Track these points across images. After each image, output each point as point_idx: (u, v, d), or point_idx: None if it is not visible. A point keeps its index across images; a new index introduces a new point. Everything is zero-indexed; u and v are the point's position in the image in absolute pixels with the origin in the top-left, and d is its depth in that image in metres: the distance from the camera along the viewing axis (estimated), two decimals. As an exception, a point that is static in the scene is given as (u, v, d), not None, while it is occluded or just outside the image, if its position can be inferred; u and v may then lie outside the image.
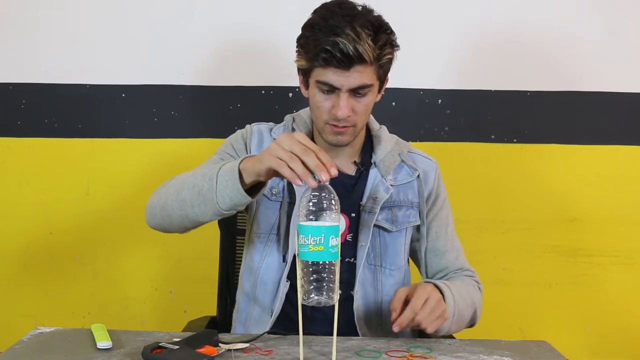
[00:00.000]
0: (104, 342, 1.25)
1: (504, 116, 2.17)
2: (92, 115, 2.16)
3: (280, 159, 1.16)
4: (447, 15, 2.14)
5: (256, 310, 1.51)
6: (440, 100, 2.16)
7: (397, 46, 1.43)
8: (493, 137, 2.17)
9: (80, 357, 1.21)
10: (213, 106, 2.16)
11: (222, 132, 2.12)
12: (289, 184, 1.49)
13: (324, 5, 1.42)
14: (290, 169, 1.14)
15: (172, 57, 2.14)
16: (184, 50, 2.14)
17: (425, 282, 1.39)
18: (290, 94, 2.13)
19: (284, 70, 2.11)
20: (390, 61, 1.43)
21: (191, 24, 2.14)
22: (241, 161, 1.25)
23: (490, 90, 2.16)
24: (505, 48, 2.14)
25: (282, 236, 1.48)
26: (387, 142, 1.56)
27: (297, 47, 1.44)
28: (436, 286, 1.37)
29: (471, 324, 1.50)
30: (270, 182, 1.49)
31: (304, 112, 1.57)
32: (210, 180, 1.28)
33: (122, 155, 2.17)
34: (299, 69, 1.47)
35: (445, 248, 1.57)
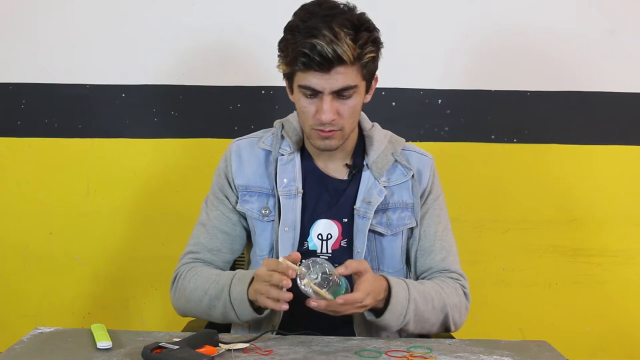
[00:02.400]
0: (104, 342, 1.25)
1: (504, 116, 2.17)
2: (92, 115, 2.16)
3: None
4: (447, 15, 2.13)
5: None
6: (440, 100, 2.16)
7: (381, 43, 1.40)
8: (493, 137, 2.17)
9: (80, 357, 1.21)
10: (213, 106, 2.16)
11: (222, 132, 2.13)
12: (279, 203, 1.48)
13: (303, 6, 1.39)
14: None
15: (172, 58, 2.14)
16: (184, 50, 2.14)
17: (381, 275, 1.38)
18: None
19: (284, 70, 2.11)
20: (373, 60, 1.39)
21: (191, 24, 2.13)
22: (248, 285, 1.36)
23: (490, 90, 2.16)
24: (505, 48, 2.14)
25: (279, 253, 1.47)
26: (380, 142, 1.52)
27: (278, 51, 1.42)
28: (389, 286, 1.36)
29: (445, 327, 1.46)
30: (259, 204, 1.51)
31: (293, 118, 1.54)
32: (228, 306, 1.39)
33: (122, 155, 2.17)
34: (283, 74, 1.44)
35: (432, 248, 1.52)
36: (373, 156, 1.50)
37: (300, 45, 1.32)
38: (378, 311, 1.36)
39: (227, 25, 2.13)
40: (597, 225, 2.19)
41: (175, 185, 2.17)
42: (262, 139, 1.54)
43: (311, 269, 1.26)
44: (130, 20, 2.13)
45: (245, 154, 1.53)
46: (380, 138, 1.53)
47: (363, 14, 1.39)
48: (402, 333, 1.45)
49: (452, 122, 2.17)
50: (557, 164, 2.18)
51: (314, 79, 1.35)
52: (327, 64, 1.32)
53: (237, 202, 1.52)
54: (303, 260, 1.28)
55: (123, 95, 2.15)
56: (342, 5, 1.38)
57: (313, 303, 1.25)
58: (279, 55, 1.42)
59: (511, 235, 2.19)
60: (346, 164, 1.51)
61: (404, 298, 1.36)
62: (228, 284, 1.39)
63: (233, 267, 1.71)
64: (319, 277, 1.25)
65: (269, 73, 2.12)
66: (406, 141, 1.59)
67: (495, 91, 2.16)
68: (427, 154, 1.57)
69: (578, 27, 2.14)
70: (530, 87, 2.15)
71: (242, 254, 1.62)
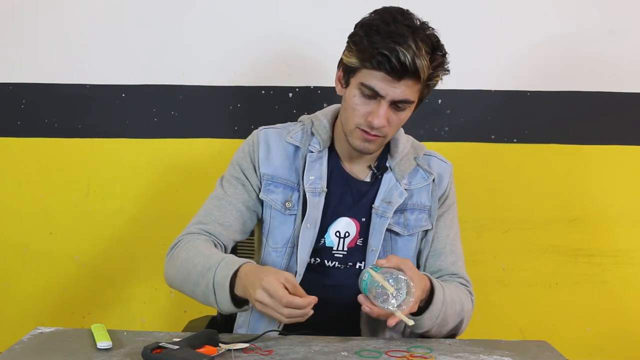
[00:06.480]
0: (104, 342, 1.25)
1: (504, 116, 2.17)
2: (92, 115, 2.16)
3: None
4: (447, 15, 2.13)
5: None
6: (440, 100, 2.16)
7: (448, 71, 1.40)
8: (493, 137, 2.17)
9: (80, 357, 1.21)
10: (213, 106, 2.16)
11: (222, 132, 2.13)
12: (304, 198, 1.48)
13: (386, 9, 1.38)
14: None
15: (172, 57, 2.14)
16: (183, 50, 2.14)
17: (425, 274, 1.37)
18: (290, 94, 2.13)
19: (284, 70, 2.11)
20: (436, 84, 1.41)
21: (191, 24, 2.13)
22: (235, 272, 1.30)
23: (490, 90, 2.16)
24: (504, 48, 2.14)
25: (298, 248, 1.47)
26: (404, 146, 1.54)
27: (348, 42, 1.40)
28: (432, 285, 1.35)
29: (453, 333, 1.45)
30: (282, 196, 1.49)
31: (324, 117, 1.53)
32: (210, 289, 1.33)
33: (122, 155, 2.17)
34: (341, 65, 1.43)
35: (443, 250, 1.54)
36: (397, 159, 1.52)
37: (382, 47, 1.31)
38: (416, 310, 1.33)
39: (227, 25, 2.13)
40: (597, 225, 2.19)
41: (175, 185, 2.17)
42: (291, 133, 1.53)
43: (398, 295, 1.25)
44: (130, 20, 2.13)
45: (273, 144, 1.52)
46: (404, 142, 1.55)
47: (438, 35, 1.39)
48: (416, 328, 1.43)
49: (452, 122, 2.17)
50: (557, 164, 2.18)
51: (380, 83, 1.35)
52: (402, 72, 1.32)
53: (259, 188, 1.51)
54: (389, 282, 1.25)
55: (123, 95, 2.15)
56: (419, 22, 1.38)
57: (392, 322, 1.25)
58: (348, 47, 1.40)
59: (511, 235, 2.19)
60: (370, 166, 1.52)
61: (441, 301, 1.36)
62: (215, 264, 1.34)
63: (234, 252, 1.70)
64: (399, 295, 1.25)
65: (269, 73, 2.14)
66: None
67: (495, 91, 2.16)
68: (447, 161, 1.60)
69: (578, 27, 2.14)
70: (530, 87, 2.15)
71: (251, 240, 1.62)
